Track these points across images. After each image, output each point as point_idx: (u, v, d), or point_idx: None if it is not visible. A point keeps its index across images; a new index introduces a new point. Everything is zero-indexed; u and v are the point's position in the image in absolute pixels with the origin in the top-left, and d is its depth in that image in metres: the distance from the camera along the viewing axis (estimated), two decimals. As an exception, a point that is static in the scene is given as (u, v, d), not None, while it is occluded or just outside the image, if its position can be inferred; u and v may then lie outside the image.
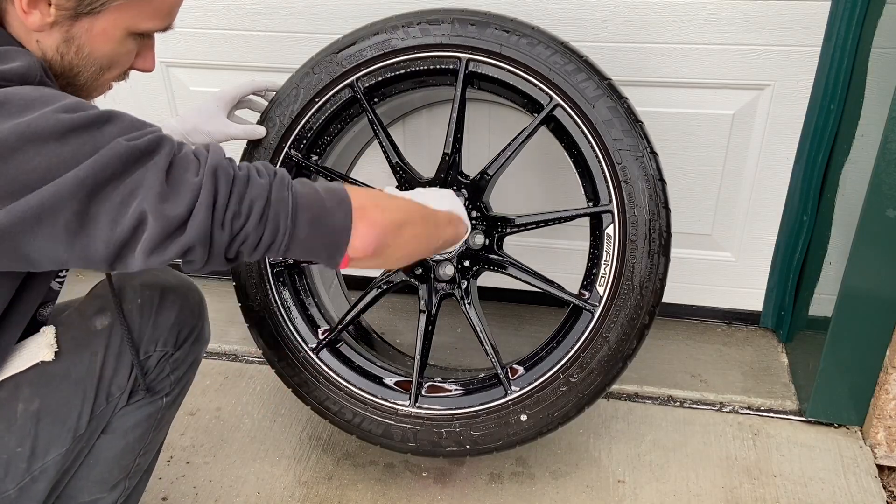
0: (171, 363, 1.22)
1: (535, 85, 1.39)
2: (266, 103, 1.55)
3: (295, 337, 1.54)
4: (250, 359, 1.96)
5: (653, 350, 1.91)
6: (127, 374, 1.16)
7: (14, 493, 1.11)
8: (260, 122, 1.53)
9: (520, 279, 1.47)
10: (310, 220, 0.97)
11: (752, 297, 1.94)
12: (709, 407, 1.76)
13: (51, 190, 0.84)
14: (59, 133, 0.85)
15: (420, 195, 1.35)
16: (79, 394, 1.13)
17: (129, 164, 0.87)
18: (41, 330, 1.13)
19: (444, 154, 1.46)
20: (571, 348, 1.40)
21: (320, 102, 1.50)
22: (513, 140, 1.44)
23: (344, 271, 1.84)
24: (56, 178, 0.84)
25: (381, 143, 1.50)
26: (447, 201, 1.36)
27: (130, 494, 1.30)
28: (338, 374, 1.53)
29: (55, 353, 1.11)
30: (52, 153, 0.84)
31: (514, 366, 1.47)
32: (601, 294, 1.38)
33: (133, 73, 1.13)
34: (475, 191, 1.47)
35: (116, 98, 1.20)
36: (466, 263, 1.49)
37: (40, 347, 1.11)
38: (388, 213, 1.06)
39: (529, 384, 1.43)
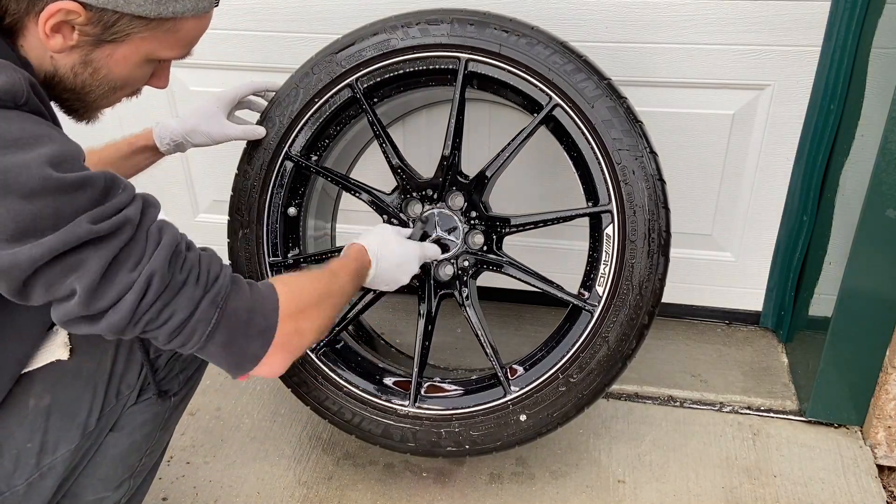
0: (180, 363, 1.23)
1: (535, 85, 1.39)
2: (266, 103, 1.55)
3: (295, 337, 1.54)
4: (250, 359, 1.96)
5: (653, 350, 1.91)
6: (137, 373, 1.17)
7: (23, 489, 1.11)
8: (259, 123, 1.53)
9: (519, 279, 1.47)
10: (225, 342, 0.98)
11: (752, 297, 1.94)
12: (709, 407, 1.76)
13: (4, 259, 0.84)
14: (28, 191, 0.83)
15: (377, 252, 1.33)
16: (89, 391, 1.13)
17: (83, 246, 0.87)
18: (54, 328, 1.13)
19: (443, 155, 1.46)
20: (571, 348, 1.39)
21: (320, 103, 1.50)
22: (512, 140, 1.44)
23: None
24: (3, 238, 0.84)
25: (381, 144, 1.50)
26: (397, 257, 1.35)
27: (134, 494, 1.31)
28: (337, 374, 1.53)
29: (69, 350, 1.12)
30: (12, 209, 0.83)
31: (514, 366, 1.47)
32: (601, 294, 1.38)
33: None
34: (474, 191, 1.47)
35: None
36: (466, 264, 1.49)
37: (56, 346, 1.11)
38: (308, 334, 1.08)
39: (529, 384, 1.42)
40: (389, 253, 1.35)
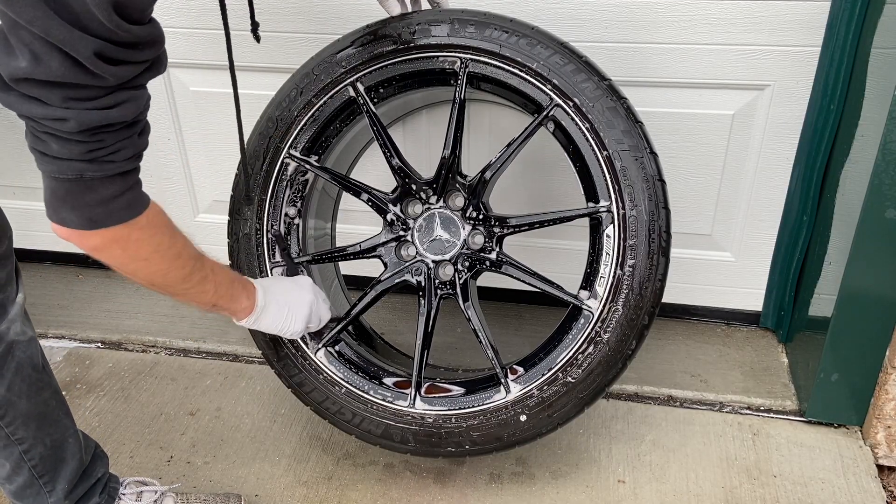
0: None
1: (535, 85, 1.39)
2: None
3: (295, 337, 1.54)
4: (250, 359, 1.97)
5: (653, 350, 1.91)
6: None
7: None
8: (260, 121, 1.54)
9: (519, 279, 1.47)
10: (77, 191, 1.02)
11: (752, 297, 1.94)
12: (709, 407, 1.76)
13: None
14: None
15: (275, 296, 1.38)
16: None
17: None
18: None
19: (444, 156, 1.46)
20: (571, 349, 1.39)
21: (320, 103, 1.50)
22: (512, 140, 1.44)
23: (344, 271, 1.84)
24: None
25: (381, 144, 1.50)
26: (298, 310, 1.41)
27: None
28: (337, 374, 1.53)
29: None
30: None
31: (514, 366, 1.47)
32: (601, 294, 1.38)
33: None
34: (474, 192, 1.47)
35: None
36: (466, 264, 1.49)
37: None
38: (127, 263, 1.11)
39: (529, 384, 1.43)
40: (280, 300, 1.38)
